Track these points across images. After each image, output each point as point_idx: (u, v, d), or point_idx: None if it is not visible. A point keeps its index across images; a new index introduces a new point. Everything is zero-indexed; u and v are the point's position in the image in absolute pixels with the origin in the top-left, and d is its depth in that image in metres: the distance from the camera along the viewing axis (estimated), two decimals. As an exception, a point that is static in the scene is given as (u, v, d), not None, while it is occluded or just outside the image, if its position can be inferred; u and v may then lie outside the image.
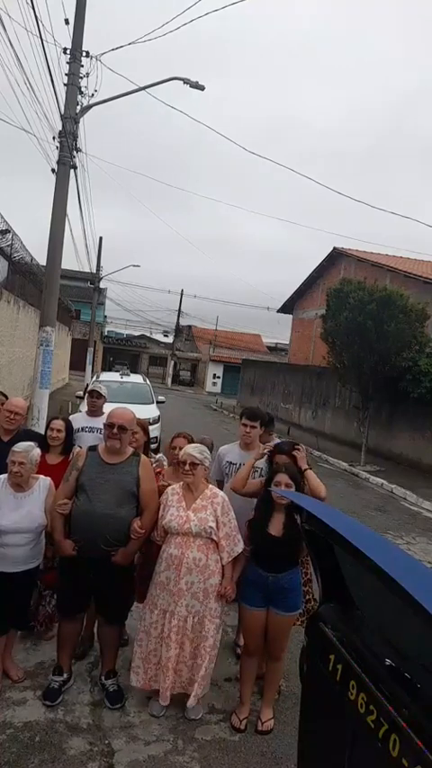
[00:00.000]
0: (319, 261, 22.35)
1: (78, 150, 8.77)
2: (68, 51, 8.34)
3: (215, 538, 3.00)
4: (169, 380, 41.03)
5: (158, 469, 3.69)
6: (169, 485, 3.27)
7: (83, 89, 8.49)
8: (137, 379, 12.82)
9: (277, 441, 4.38)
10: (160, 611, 2.99)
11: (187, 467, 3.03)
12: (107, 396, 4.66)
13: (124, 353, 43.79)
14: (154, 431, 8.54)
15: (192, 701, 2.98)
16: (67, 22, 8.37)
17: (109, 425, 3.09)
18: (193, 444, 3.25)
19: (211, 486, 3.21)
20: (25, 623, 3.33)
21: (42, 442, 3.65)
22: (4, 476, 3.14)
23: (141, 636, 3.06)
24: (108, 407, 3.77)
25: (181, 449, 3.23)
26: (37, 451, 3.19)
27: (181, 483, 3.16)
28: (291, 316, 25.96)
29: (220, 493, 3.17)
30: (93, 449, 3.21)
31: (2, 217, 9.98)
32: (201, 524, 2.96)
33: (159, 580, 3.01)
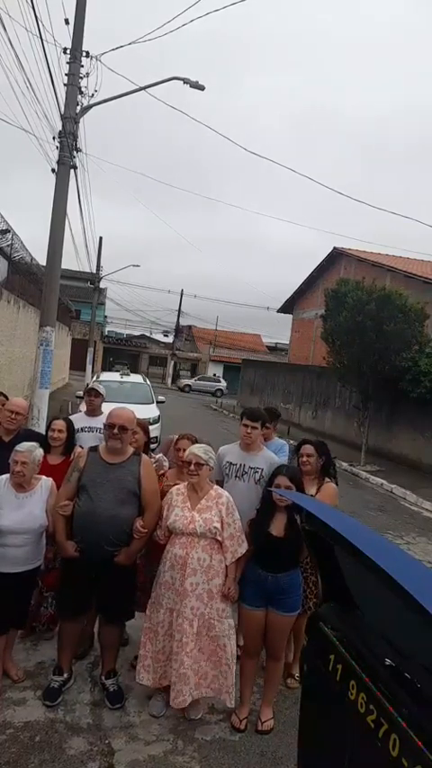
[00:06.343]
0: (320, 261, 22.37)
1: (78, 150, 8.77)
2: (68, 51, 8.34)
3: (219, 538, 2.99)
4: (169, 380, 41.01)
5: (161, 471, 3.68)
6: (175, 484, 3.27)
7: (83, 89, 8.49)
8: (137, 378, 12.84)
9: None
10: (166, 609, 2.99)
11: (192, 467, 3.03)
12: (105, 395, 4.66)
13: (124, 353, 43.76)
14: (154, 431, 8.55)
15: (194, 711, 3.01)
16: (67, 22, 8.38)
17: (109, 426, 3.09)
18: (197, 444, 3.24)
19: (216, 486, 3.21)
20: (24, 622, 3.33)
21: (43, 442, 3.65)
22: (6, 476, 3.14)
23: (150, 635, 3.03)
24: (108, 407, 3.77)
25: (185, 450, 3.22)
26: (39, 452, 3.19)
27: (185, 483, 3.16)
28: (291, 316, 25.96)
29: (225, 493, 3.15)
30: (94, 449, 3.22)
31: (2, 217, 9.98)
32: (206, 525, 2.96)
33: (164, 579, 3.00)
